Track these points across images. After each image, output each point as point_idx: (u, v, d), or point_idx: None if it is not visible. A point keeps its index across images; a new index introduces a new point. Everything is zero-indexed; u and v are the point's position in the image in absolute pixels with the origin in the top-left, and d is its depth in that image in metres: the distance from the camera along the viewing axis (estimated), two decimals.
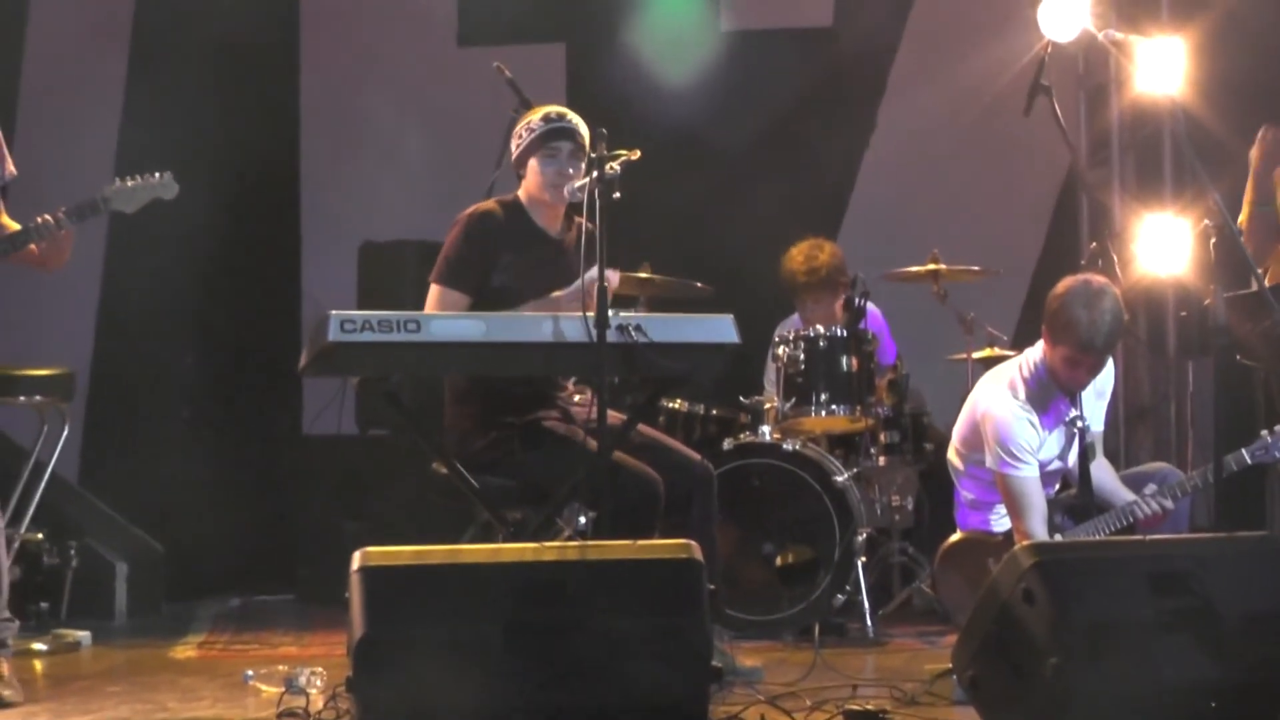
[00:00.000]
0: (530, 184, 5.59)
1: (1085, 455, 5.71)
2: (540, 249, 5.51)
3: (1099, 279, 5.69)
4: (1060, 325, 5.59)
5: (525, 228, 5.58)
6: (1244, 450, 5.55)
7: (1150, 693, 4.14)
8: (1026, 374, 5.76)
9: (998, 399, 5.73)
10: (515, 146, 5.62)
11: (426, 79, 8.98)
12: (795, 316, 7.55)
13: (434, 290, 5.52)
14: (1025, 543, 4.38)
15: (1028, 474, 5.64)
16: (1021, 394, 5.71)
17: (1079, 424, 5.69)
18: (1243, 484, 5.70)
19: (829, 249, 7.42)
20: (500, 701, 3.98)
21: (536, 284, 5.37)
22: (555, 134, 5.54)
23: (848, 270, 7.27)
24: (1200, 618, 4.19)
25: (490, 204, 5.64)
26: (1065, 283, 5.67)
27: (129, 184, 5.52)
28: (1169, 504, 5.62)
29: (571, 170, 5.49)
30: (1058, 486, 5.90)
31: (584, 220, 5.06)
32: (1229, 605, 4.21)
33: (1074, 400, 5.72)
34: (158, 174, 5.56)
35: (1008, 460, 5.64)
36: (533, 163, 5.56)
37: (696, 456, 5.62)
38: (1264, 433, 5.60)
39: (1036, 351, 5.79)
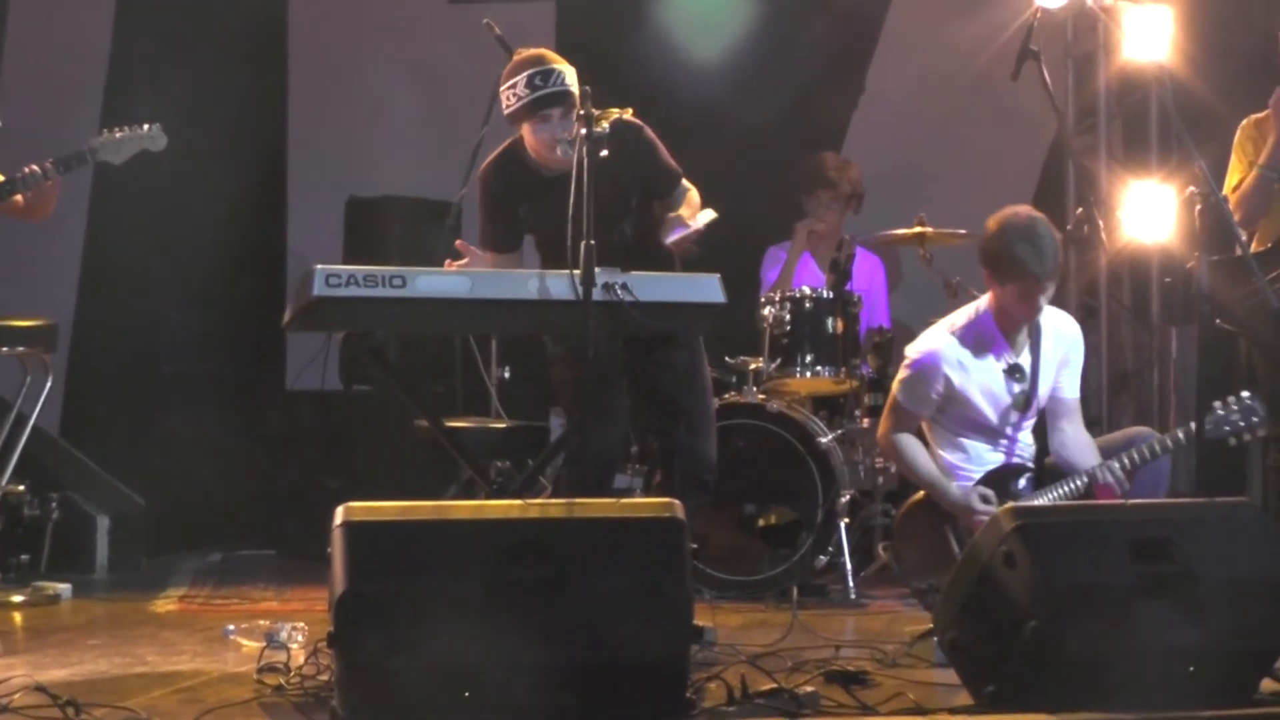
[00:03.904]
0: (528, 142, 5.58)
1: (1035, 418, 5.77)
2: (552, 193, 5.31)
3: (1024, 209, 5.74)
4: (1008, 264, 5.62)
5: (532, 177, 5.57)
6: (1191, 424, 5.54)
7: (1129, 657, 4.16)
8: (964, 320, 5.81)
9: (931, 334, 5.82)
10: (505, 106, 5.56)
11: (416, 35, 8.93)
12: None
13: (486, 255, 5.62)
14: (1008, 506, 4.40)
15: (920, 411, 5.80)
16: (959, 331, 5.77)
17: (1021, 376, 5.72)
18: (1222, 449, 5.70)
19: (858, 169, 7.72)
20: (482, 658, 3.98)
21: (554, 224, 5.16)
22: (544, 102, 5.45)
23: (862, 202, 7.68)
24: (1179, 583, 4.21)
25: (500, 155, 5.64)
26: (995, 222, 5.69)
27: (116, 135, 5.51)
28: (1121, 476, 5.63)
29: (566, 132, 5.42)
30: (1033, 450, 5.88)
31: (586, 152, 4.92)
32: (1208, 571, 4.23)
33: (1012, 345, 5.74)
34: (145, 125, 5.54)
35: (907, 383, 5.76)
36: (526, 127, 5.53)
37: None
38: (1216, 404, 5.59)
39: (980, 302, 5.83)
